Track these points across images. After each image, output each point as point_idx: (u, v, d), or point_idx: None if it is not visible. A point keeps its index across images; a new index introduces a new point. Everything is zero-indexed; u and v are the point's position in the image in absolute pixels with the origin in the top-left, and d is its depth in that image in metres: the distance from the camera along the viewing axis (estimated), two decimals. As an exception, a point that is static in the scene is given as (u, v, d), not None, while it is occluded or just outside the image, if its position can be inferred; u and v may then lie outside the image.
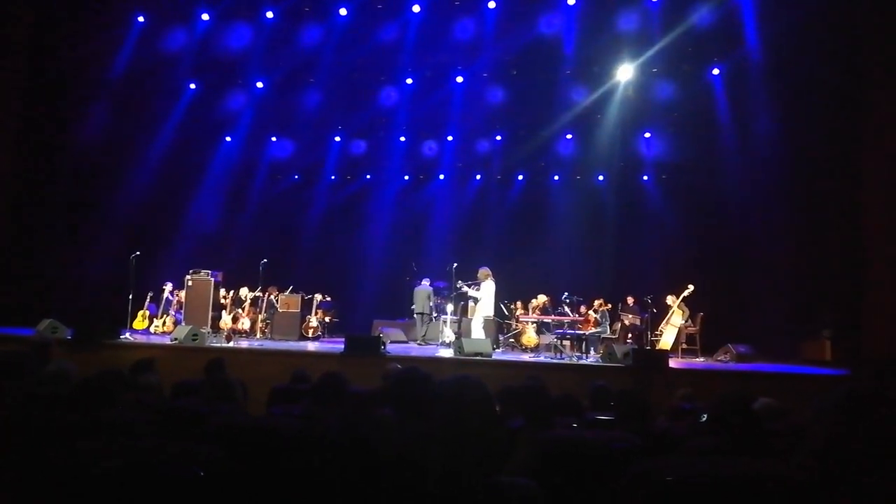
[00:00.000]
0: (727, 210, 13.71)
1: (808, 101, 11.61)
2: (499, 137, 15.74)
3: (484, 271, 11.54)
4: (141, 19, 12.88)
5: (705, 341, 11.57)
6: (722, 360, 10.70)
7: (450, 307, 12.46)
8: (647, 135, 14.91)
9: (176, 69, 13.41)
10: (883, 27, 10.36)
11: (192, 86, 14.10)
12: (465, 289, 11.70)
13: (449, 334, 12.11)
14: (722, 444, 3.01)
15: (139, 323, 12.21)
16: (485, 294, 11.40)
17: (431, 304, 12.57)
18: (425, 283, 12.71)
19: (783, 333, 11.90)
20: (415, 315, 12.71)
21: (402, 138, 15.99)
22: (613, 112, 13.83)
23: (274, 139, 15.99)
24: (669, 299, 11.56)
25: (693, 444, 3.05)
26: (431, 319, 12.68)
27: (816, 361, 10.73)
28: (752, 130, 12.72)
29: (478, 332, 11.12)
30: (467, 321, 11.91)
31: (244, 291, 12.47)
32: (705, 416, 3.82)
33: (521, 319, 12.54)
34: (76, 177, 13.15)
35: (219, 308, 12.00)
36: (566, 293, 11.82)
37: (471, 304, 12.04)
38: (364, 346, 9.14)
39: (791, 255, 12.25)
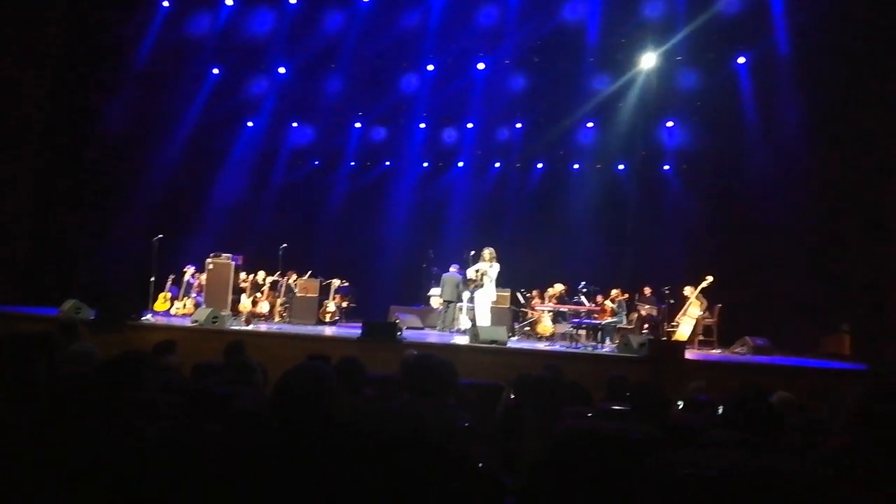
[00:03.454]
0: (748, 201, 13.56)
1: (835, 91, 11.40)
2: (519, 125, 15.66)
3: (489, 252, 11.15)
4: (166, 4, 12.95)
5: (723, 333, 11.51)
6: (739, 353, 10.63)
7: (465, 294, 12.45)
8: (670, 124, 14.75)
9: (199, 54, 13.48)
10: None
11: (216, 71, 14.18)
12: (474, 274, 11.21)
13: (465, 322, 12.12)
14: (739, 437, 3.01)
15: (160, 305, 12.39)
16: (492, 275, 10.97)
17: (460, 291, 12.45)
18: (453, 269, 12.49)
19: (802, 326, 11.79)
20: (441, 301, 12.60)
21: (422, 125, 15.98)
22: (635, 101, 13.70)
23: (295, 125, 16.07)
24: (687, 290, 11.49)
25: (710, 437, 3.05)
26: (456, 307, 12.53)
27: (835, 355, 10.63)
28: (777, 120, 12.55)
29: (485, 318, 10.78)
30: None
31: (261, 275, 12.60)
32: (722, 408, 3.83)
33: (536, 308, 12.52)
34: (100, 160, 13.31)
35: (238, 291, 12.13)
36: (583, 282, 11.77)
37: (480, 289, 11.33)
38: (381, 331, 9.21)
39: (812, 247, 12.10)
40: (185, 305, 12.47)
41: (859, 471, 2.21)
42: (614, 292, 11.98)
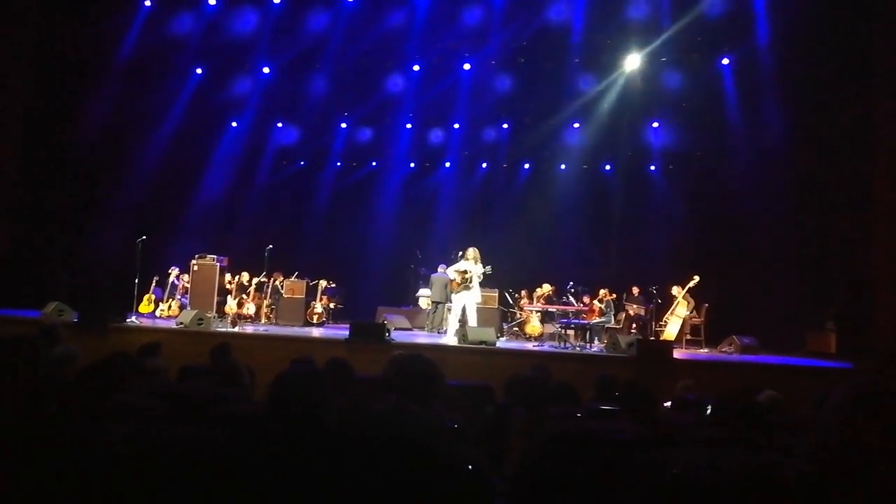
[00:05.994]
0: (734, 201, 13.64)
1: (818, 92, 11.53)
2: (505, 125, 15.66)
3: (473, 252, 10.69)
4: (148, 3, 12.80)
5: (710, 332, 11.58)
6: (726, 352, 10.70)
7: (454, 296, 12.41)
8: (655, 124, 14.82)
9: (182, 54, 13.34)
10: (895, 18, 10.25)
11: (199, 71, 14.04)
12: (455, 275, 10.75)
13: (454, 322, 12.08)
14: (726, 435, 3.02)
15: (145, 307, 12.26)
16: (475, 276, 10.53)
17: (449, 291, 12.34)
18: (441, 269, 12.41)
19: (788, 325, 11.89)
20: (430, 302, 12.54)
21: (409, 125, 15.94)
22: (621, 101, 13.74)
23: (280, 125, 15.96)
24: (675, 290, 11.55)
25: (698, 436, 3.06)
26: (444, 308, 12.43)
27: (821, 354, 10.72)
28: (761, 121, 12.62)
29: (473, 320, 10.39)
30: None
31: (247, 276, 12.51)
32: (710, 407, 3.84)
33: (525, 308, 12.54)
34: (83, 161, 13.15)
35: (224, 293, 12.03)
36: (571, 283, 11.81)
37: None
38: (369, 332, 9.17)
39: (797, 246, 12.22)
40: (169, 307, 12.35)
41: (842, 468, 2.21)
42: (602, 292, 12.02)
